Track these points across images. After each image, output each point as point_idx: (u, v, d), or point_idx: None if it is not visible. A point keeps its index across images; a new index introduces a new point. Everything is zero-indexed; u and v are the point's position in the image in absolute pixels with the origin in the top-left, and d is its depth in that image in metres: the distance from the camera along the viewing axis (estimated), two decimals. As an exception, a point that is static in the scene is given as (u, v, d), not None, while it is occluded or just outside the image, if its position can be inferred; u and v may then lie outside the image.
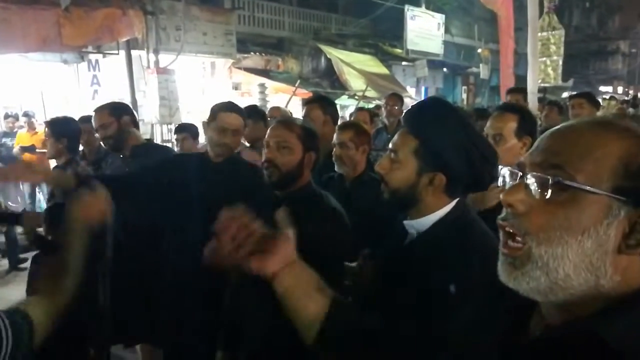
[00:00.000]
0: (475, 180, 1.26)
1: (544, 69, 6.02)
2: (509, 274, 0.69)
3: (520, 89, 4.84)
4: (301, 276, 1.00)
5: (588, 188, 0.64)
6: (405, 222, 1.32)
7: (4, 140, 7.63)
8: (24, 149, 7.34)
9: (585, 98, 4.10)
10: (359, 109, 3.59)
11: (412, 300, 1.17)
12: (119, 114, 2.72)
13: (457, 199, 1.28)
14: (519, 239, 0.68)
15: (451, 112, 1.29)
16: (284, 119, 1.95)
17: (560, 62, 6.41)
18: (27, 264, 4.24)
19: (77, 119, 3.99)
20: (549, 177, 0.65)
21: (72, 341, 2.58)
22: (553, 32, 6.21)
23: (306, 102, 3.58)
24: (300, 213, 1.77)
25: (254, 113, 3.89)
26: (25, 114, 7.67)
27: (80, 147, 4.11)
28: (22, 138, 7.48)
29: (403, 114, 1.63)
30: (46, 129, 3.22)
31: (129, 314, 3.03)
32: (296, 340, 1.74)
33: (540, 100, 5.74)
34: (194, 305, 2.44)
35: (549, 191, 0.65)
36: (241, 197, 2.31)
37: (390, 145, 1.32)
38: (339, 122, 3.08)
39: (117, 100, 2.80)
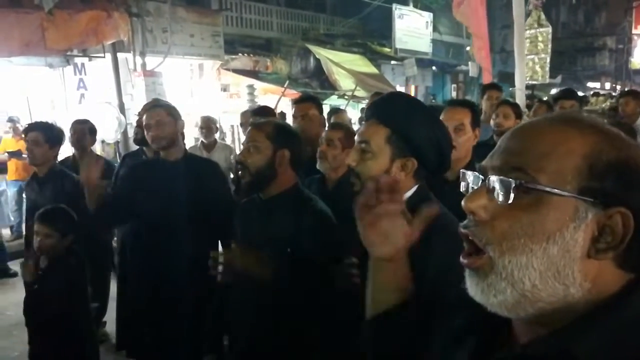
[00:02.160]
0: (441, 163, 1.35)
1: (531, 67, 6.03)
2: (475, 285, 0.65)
3: (496, 85, 4.88)
4: (398, 273, 0.94)
5: (550, 190, 0.59)
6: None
7: None
8: (12, 154, 7.27)
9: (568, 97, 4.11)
10: (337, 110, 3.58)
11: None
12: (177, 117, 2.65)
13: (419, 183, 1.35)
14: (482, 248, 0.63)
15: (418, 102, 1.40)
16: (256, 121, 1.95)
17: (548, 60, 6.42)
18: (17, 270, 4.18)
19: (66, 122, 3.95)
20: (510, 180, 0.60)
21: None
22: (540, 30, 6.22)
23: (300, 101, 3.55)
24: (288, 218, 1.76)
25: (266, 113, 3.89)
26: (10, 119, 7.59)
27: (70, 150, 4.08)
28: (8, 143, 7.40)
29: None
30: (35, 134, 3.14)
31: (132, 323, 3.02)
32: (283, 343, 1.72)
33: (528, 97, 5.76)
34: (177, 315, 2.42)
35: (511, 195, 0.60)
36: (205, 195, 2.33)
37: (358, 138, 1.36)
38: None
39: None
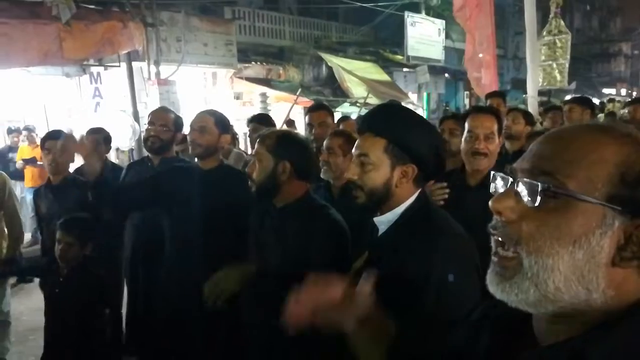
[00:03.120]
0: (438, 168, 1.38)
1: (549, 72, 5.98)
2: (496, 284, 0.66)
3: (499, 92, 4.90)
4: (376, 332, 0.95)
5: (579, 196, 0.60)
6: (375, 219, 1.40)
7: (10, 155, 7.72)
8: (26, 162, 7.41)
9: (577, 102, 4.10)
10: (344, 118, 3.61)
11: (392, 290, 1.18)
12: (223, 129, 2.61)
13: (420, 189, 1.38)
14: (510, 248, 0.64)
15: (411, 111, 1.43)
16: (261, 134, 1.98)
17: (567, 65, 6.37)
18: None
19: (82, 130, 4.01)
20: (538, 183, 0.61)
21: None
22: (559, 36, 6.18)
23: (315, 109, 3.57)
24: (300, 226, 1.78)
25: (262, 119, 3.93)
26: (26, 128, 7.75)
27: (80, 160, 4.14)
28: (24, 151, 7.55)
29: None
30: (56, 142, 3.18)
31: (141, 326, 3.05)
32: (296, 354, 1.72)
33: (543, 103, 5.73)
34: (195, 316, 2.43)
35: (538, 198, 0.61)
36: (231, 205, 2.34)
37: (355, 151, 1.40)
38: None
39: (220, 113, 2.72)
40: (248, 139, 4.68)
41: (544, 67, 5.63)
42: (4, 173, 4.05)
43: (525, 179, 0.63)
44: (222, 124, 2.61)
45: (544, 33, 5.49)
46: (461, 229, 1.34)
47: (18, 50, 5.84)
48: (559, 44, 6.16)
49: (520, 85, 16.83)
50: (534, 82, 5.12)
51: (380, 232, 1.39)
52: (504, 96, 4.77)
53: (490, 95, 4.76)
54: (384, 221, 1.38)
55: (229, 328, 2.31)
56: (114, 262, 3.39)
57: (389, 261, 1.29)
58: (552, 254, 0.61)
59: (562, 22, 6.41)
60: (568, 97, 16.88)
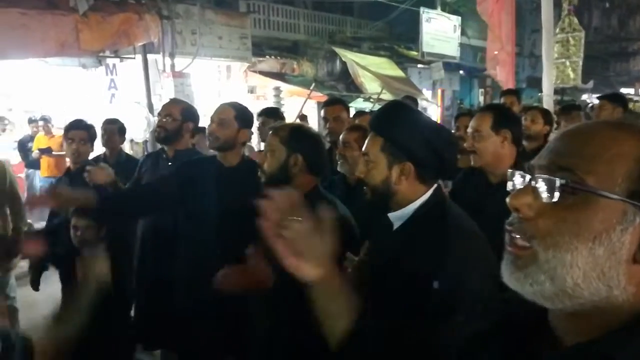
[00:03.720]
0: (442, 163, 1.37)
1: (563, 70, 5.91)
2: (510, 273, 0.65)
3: (513, 90, 4.86)
4: (336, 295, 0.93)
5: (599, 191, 0.59)
6: (389, 214, 1.41)
7: (29, 144, 7.85)
8: (42, 151, 7.52)
9: (608, 99, 4.04)
10: (360, 112, 3.59)
11: (399, 288, 1.23)
12: (244, 124, 2.57)
13: (434, 187, 1.39)
14: (524, 240, 0.64)
15: (408, 109, 1.43)
16: (275, 126, 1.99)
17: (581, 63, 6.29)
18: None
19: (98, 121, 4.07)
20: (556, 179, 0.61)
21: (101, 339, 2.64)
22: (573, 34, 6.10)
23: (330, 103, 3.57)
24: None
25: (271, 113, 3.94)
26: (42, 118, 7.86)
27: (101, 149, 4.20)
28: (40, 141, 7.66)
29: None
30: (81, 132, 3.25)
31: (149, 317, 3.09)
32: (305, 346, 1.73)
33: (558, 102, 5.67)
34: (208, 311, 2.45)
35: (557, 194, 0.61)
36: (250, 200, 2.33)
37: (362, 150, 1.45)
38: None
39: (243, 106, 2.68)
40: (257, 131, 4.69)
41: (557, 64, 5.57)
42: (2, 160, 4.13)
43: (543, 175, 0.63)
44: (244, 118, 2.56)
45: (557, 30, 5.42)
46: (477, 228, 1.34)
47: (36, 41, 5.90)
48: (572, 42, 6.09)
49: (535, 83, 16.63)
50: (549, 81, 5.06)
51: (395, 227, 1.40)
52: (519, 94, 4.73)
53: (504, 93, 4.73)
54: (397, 217, 1.39)
55: (239, 324, 2.32)
56: (126, 249, 3.43)
57: (402, 257, 1.30)
58: (571, 249, 0.60)
59: (575, 20, 6.34)
60: (585, 96, 16.59)
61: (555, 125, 4.71)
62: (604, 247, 0.59)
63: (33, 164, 7.74)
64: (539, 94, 7.27)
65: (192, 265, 2.55)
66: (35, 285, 3.33)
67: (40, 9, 5.91)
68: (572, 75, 6.16)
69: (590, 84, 16.62)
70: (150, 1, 7.57)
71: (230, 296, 2.29)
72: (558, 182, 0.61)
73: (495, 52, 6.62)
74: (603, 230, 0.59)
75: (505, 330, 0.74)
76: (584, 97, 18.07)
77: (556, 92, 5.66)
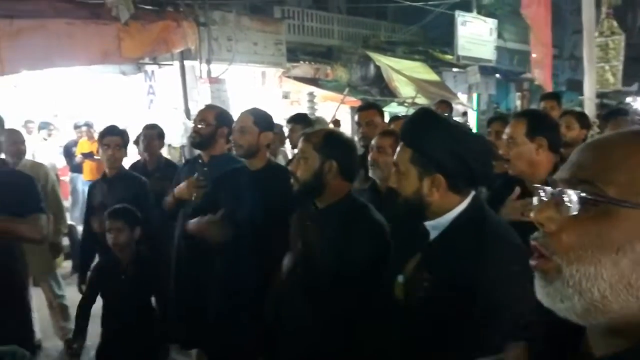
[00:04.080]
0: (472, 173, 1.34)
1: (602, 74, 5.74)
2: (542, 288, 0.65)
3: (553, 94, 4.71)
4: None
5: (619, 202, 0.59)
6: (426, 223, 1.40)
7: (74, 149, 8.16)
8: (85, 156, 7.79)
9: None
10: (397, 117, 3.57)
11: (438, 301, 1.23)
12: (264, 127, 2.62)
13: (472, 196, 1.36)
14: (547, 254, 0.63)
15: (436, 119, 1.40)
16: (307, 132, 1.98)
17: (621, 67, 6.10)
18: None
19: (136, 127, 4.20)
20: (576, 192, 0.61)
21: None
22: (612, 38, 5.92)
23: (364, 108, 3.58)
24: (341, 226, 1.79)
25: (300, 120, 3.97)
26: (86, 124, 8.15)
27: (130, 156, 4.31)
28: (83, 146, 7.93)
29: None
30: (117, 138, 3.36)
31: (186, 318, 3.15)
32: (334, 347, 1.74)
33: (600, 106, 5.50)
34: (241, 312, 2.48)
35: (577, 207, 0.60)
36: (281, 205, 2.37)
37: (394, 161, 1.43)
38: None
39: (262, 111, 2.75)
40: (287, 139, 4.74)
41: (597, 69, 5.39)
42: (45, 164, 4.29)
43: (564, 189, 0.63)
44: (263, 121, 2.61)
45: (596, 34, 5.25)
46: (516, 237, 1.31)
47: (80, 50, 6.15)
48: (611, 45, 5.90)
49: (575, 86, 16.16)
50: (591, 84, 4.91)
51: (432, 236, 1.39)
52: (559, 98, 4.59)
53: (544, 97, 4.60)
54: (433, 226, 1.38)
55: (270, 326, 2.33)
56: (163, 253, 3.51)
57: (439, 267, 1.30)
58: (594, 262, 0.59)
59: (614, 23, 6.15)
60: (629, 99, 15.97)
61: (597, 130, 4.57)
62: (628, 258, 0.58)
63: (76, 168, 8.02)
64: (580, 97, 7.07)
65: (225, 267, 2.60)
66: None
67: (84, 19, 6.15)
68: (611, 79, 5.97)
69: (635, 87, 16.02)
70: (187, 9, 7.76)
71: (261, 297, 2.33)
72: (578, 194, 0.61)
73: (534, 55, 6.48)
74: (626, 241, 0.58)
75: (544, 347, 0.73)
76: (628, 99, 17.45)
77: (598, 95, 5.49)
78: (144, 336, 2.74)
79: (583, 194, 0.60)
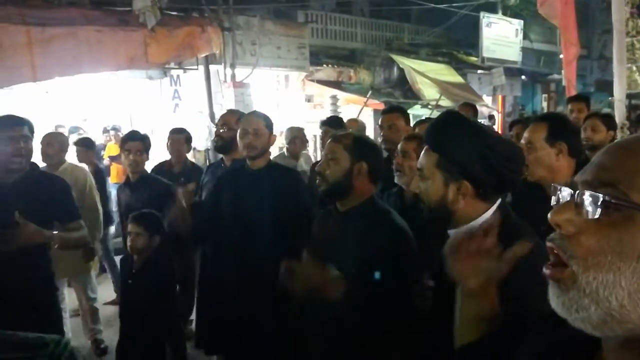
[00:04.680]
0: (501, 180, 1.28)
1: (629, 75, 5.57)
2: (556, 298, 0.63)
3: (582, 96, 4.59)
4: (487, 304, 1.02)
5: None
6: (449, 231, 1.34)
7: (102, 152, 8.34)
8: (112, 159, 7.97)
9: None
10: (422, 121, 3.54)
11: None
12: (271, 130, 2.76)
13: (498, 203, 1.31)
14: (563, 260, 0.61)
15: (463, 122, 1.33)
16: (335, 134, 1.99)
17: (649, 67, 5.91)
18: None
19: (163, 130, 4.27)
20: (598, 195, 0.58)
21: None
22: (638, 37, 5.74)
23: (387, 111, 3.57)
24: (364, 230, 1.78)
25: (334, 122, 3.99)
26: (113, 128, 8.33)
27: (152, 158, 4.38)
28: (111, 149, 8.11)
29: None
30: (139, 144, 3.43)
31: (210, 322, 3.19)
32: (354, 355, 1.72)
33: (632, 107, 5.36)
34: (262, 319, 2.51)
35: (599, 211, 0.58)
36: (282, 203, 2.39)
37: (417, 166, 1.38)
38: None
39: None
40: (320, 141, 4.75)
41: (625, 70, 5.24)
42: (86, 168, 4.38)
43: (585, 191, 0.61)
44: (270, 124, 2.75)
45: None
46: (542, 248, 1.26)
47: (109, 56, 6.28)
48: (637, 46, 5.73)
49: (605, 87, 15.78)
50: (621, 85, 4.77)
51: None
52: (588, 100, 4.47)
53: (572, 100, 4.49)
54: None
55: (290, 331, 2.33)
56: (185, 258, 3.55)
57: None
58: (613, 269, 0.57)
59: (639, 22, 5.97)
60: (660, 100, 15.51)
61: (627, 133, 4.46)
62: None
63: (104, 172, 8.20)
64: (609, 99, 6.89)
65: (235, 268, 2.65)
66: None
67: (113, 26, 6.29)
68: (639, 80, 5.79)
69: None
70: (212, 14, 7.86)
71: (282, 301, 2.34)
72: (600, 197, 0.58)
73: (560, 56, 6.35)
74: None
75: (559, 355, 0.71)
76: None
77: (631, 96, 5.34)
78: (151, 342, 2.78)
79: (606, 197, 0.58)
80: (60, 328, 2.72)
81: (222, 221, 2.70)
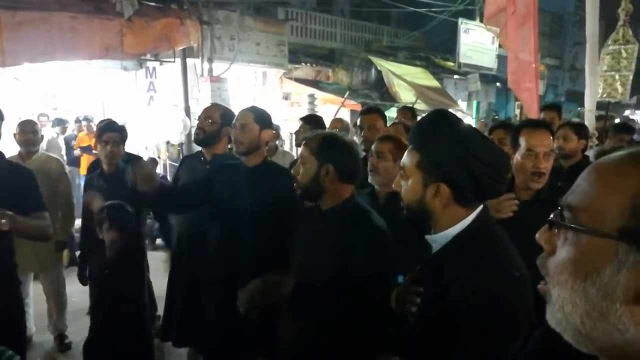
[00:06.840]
0: (481, 187, 1.24)
1: (611, 83, 5.67)
2: (547, 310, 0.65)
3: (555, 105, 4.70)
4: None
5: (585, 229, 0.58)
6: (426, 236, 1.33)
7: (73, 143, 8.14)
8: (83, 150, 7.78)
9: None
10: (394, 123, 3.54)
11: (436, 313, 1.19)
12: (264, 125, 2.64)
13: (478, 209, 1.27)
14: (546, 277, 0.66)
15: (448, 124, 1.29)
16: (306, 136, 1.98)
17: (631, 77, 6.05)
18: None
19: (136, 122, 4.17)
20: (558, 217, 0.63)
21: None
22: (626, 47, 5.87)
23: (367, 112, 3.57)
24: (343, 230, 1.78)
25: (311, 120, 3.97)
26: (85, 118, 8.14)
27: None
28: (82, 139, 7.92)
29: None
30: (116, 135, 3.34)
31: (180, 316, 3.14)
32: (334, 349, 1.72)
33: (601, 117, 5.49)
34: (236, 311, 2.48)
35: (554, 231, 0.63)
36: (276, 202, 2.37)
37: (400, 164, 1.36)
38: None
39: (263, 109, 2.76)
40: (294, 137, 4.72)
41: (605, 77, 5.35)
42: (60, 159, 4.26)
43: (555, 213, 0.65)
44: (263, 119, 2.65)
45: (609, 42, 5.21)
46: (518, 262, 1.21)
47: (83, 44, 6.12)
48: (624, 54, 5.86)
49: (575, 97, 16.20)
50: (592, 96, 4.90)
51: (434, 250, 1.31)
52: (560, 109, 4.58)
53: (545, 108, 4.59)
54: (434, 240, 1.31)
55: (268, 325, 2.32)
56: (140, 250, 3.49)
57: (434, 284, 1.25)
58: (568, 287, 0.60)
59: (630, 32, 6.12)
60: (628, 112, 15.93)
61: (596, 142, 4.58)
62: (596, 287, 0.56)
63: (74, 162, 8.01)
64: (579, 109, 7.06)
65: (219, 264, 2.61)
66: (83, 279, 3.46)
67: (88, 13, 6.13)
68: (620, 89, 5.91)
69: (634, 100, 16.05)
70: (191, 7, 7.75)
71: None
72: (558, 219, 0.63)
73: (533, 65, 6.44)
74: (593, 270, 0.57)
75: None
76: (627, 112, 17.50)
77: (601, 106, 5.46)
78: (124, 335, 2.73)
79: (559, 219, 0.62)
80: (23, 323, 2.63)
81: (216, 218, 2.63)
